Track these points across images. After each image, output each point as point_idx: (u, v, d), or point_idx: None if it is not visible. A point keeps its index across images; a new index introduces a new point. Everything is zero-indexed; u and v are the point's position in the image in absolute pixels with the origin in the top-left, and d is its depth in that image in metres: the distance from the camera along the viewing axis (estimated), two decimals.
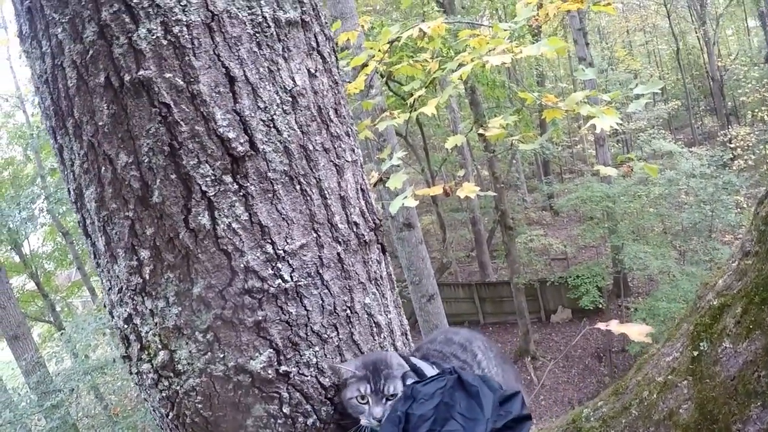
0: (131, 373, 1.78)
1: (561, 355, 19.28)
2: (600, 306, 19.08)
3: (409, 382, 1.68)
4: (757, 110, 26.26)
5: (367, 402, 1.66)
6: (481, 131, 4.60)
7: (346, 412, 1.74)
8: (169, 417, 1.72)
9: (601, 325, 2.65)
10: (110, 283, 1.71)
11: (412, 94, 4.71)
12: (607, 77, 26.20)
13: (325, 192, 1.68)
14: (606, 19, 36.07)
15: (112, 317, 1.76)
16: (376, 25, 11.59)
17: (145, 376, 1.71)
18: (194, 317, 1.58)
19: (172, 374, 1.65)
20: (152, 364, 1.67)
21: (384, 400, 1.67)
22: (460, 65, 4.00)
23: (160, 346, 1.64)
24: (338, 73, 1.82)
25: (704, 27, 31.23)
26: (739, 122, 29.91)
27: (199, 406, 1.65)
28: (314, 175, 1.65)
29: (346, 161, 1.77)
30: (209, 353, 1.60)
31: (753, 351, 1.36)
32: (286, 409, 1.67)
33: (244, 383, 1.63)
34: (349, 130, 1.82)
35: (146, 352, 1.67)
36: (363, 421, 1.66)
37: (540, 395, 17.69)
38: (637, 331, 2.24)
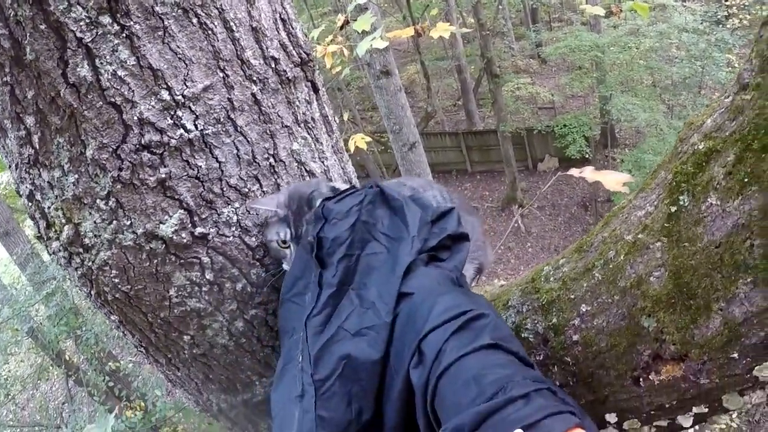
0: (49, 255, 1.62)
1: (533, 203, 19.47)
2: (586, 155, 19.09)
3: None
4: None
5: (289, 247, 1.52)
6: None
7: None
8: (92, 295, 1.58)
9: (574, 172, 2.45)
10: (7, 159, 1.52)
11: None
12: None
13: (231, 24, 1.41)
14: None
15: (20, 196, 1.58)
16: None
17: (57, 256, 1.55)
18: (92, 183, 1.39)
19: (81, 249, 1.48)
20: (60, 241, 1.50)
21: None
22: None
23: (64, 221, 1.46)
24: None
25: None
26: None
27: (116, 280, 1.50)
28: (215, 4, 1.39)
29: None
30: (114, 222, 1.42)
31: (746, 212, 1.08)
32: (209, 275, 1.52)
33: (158, 251, 1.46)
34: None
35: (53, 229, 1.51)
36: (284, 266, 1.53)
37: (527, 242, 18.02)
38: (614, 180, 2.08)
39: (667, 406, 1.33)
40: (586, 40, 17.73)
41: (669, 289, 1.21)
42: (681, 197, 1.19)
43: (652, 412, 1.36)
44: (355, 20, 3.95)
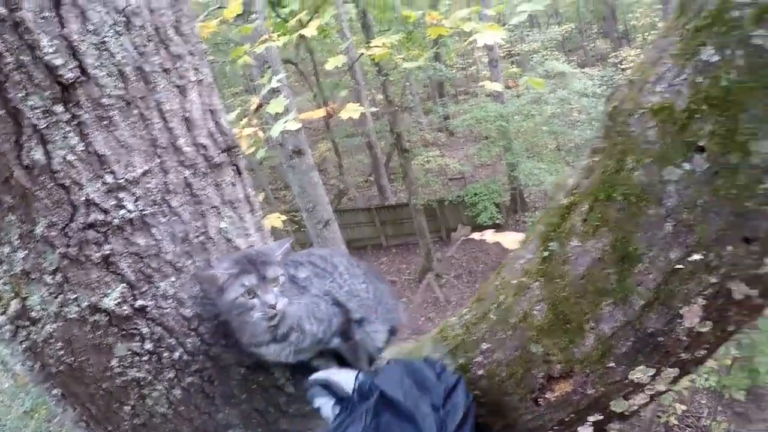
0: None
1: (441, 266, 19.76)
2: (498, 221, 19.59)
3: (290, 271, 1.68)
4: (647, 33, 27.24)
5: (255, 295, 1.61)
6: (363, 50, 4.57)
7: (214, 340, 1.71)
8: (36, 369, 1.66)
9: (476, 236, 2.71)
10: None
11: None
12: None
13: (167, 115, 1.59)
14: None
15: None
16: None
17: (3, 330, 1.63)
18: (40, 259, 1.50)
19: (28, 323, 1.58)
20: (7, 315, 1.59)
21: (271, 286, 1.64)
22: None
23: (12, 295, 1.56)
24: None
25: None
26: (630, 45, 30.92)
27: (61, 353, 1.59)
28: (153, 97, 1.57)
29: (190, 81, 1.68)
30: (61, 296, 1.54)
31: (600, 248, 1.37)
32: (149, 345, 1.63)
33: (101, 323, 1.58)
34: (193, 48, 1.72)
35: (0, 304, 1.59)
36: (257, 315, 1.61)
37: (447, 311, 18.16)
38: (512, 240, 2.30)
39: (566, 419, 1.55)
40: (491, 111, 18.59)
41: (549, 318, 1.48)
42: (551, 243, 1.49)
43: (555, 428, 1.58)
44: (269, 103, 4.15)
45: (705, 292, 1.28)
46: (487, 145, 21.27)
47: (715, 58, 1.17)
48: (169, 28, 1.62)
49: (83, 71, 1.43)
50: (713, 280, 1.26)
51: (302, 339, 1.73)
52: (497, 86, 4.49)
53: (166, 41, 1.61)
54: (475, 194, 20.39)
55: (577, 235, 1.41)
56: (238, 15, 4.90)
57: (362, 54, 4.55)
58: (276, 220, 6.53)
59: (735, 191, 1.19)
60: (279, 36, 4.70)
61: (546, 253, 1.49)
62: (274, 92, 4.83)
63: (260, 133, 4.25)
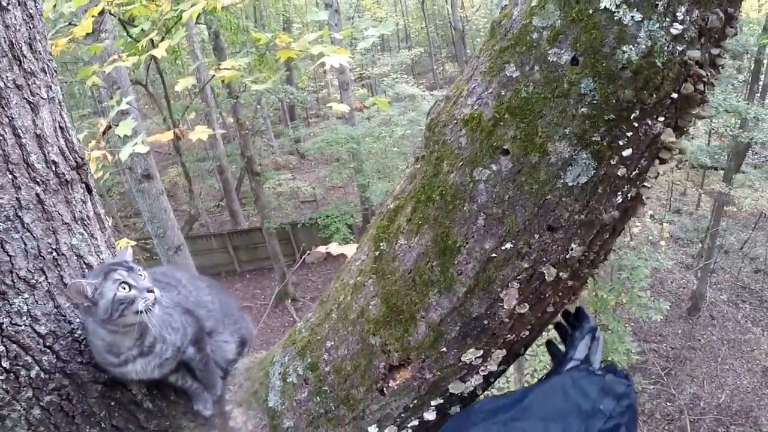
0: None
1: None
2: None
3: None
4: None
5: (131, 286, 1.62)
6: (212, 71, 4.59)
7: (70, 357, 1.72)
8: None
9: (322, 248, 2.84)
10: None
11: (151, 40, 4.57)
12: (353, 24, 26.82)
13: (19, 131, 1.62)
14: None
15: None
16: None
17: None
18: None
19: None
20: None
21: (141, 273, 1.67)
22: (193, 6, 3.96)
23: None
24: (36, 6, 1.74)
25: None
26: None
27: None
28: (6, 113, 1.59)
29: (42, 98, 1.71)
30: None
31: (424, 244, 1.54)
32: (5, 364, 1.62)
33: None
34: (46, 66, 1.75)
35: None
36: (140, 305, 1.62)
37: None
38: (354, 250, 2.43)
39: (411, 405, 1.69)
40: (342, 133, 18.82)
41: (383, 311, 1.64)
42: (381, 243, 1.66)
43: (402, 415, 1.71)
44: (117, 125, 4.10)
45: (519, 277, 1.48)
46: (338, 167, 21.53)
47: (517, 73, 1.39)
48: (23, 45, 1.65)
49: None
50: (525, 265, 1.47)
51: (165, 349, 1.76)
52: (344, 107, 4.62)
53: (20, 57, 1.63)
54: (327, 216, 20.62)
55: (404, 233, 1.59)
56: (88, 33, 4.80)
57: (213, 76, 4.57)
58: (125, 244, 6.38)
59: (537, 186, 1.40)
60: (128, 56, 4.64)
61: (377, 253, 1.66)
62: (123, 114, 4.77)
63: (108, 156, 4.20)
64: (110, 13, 5.18)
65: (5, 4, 1.59)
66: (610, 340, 12.47)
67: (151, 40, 4.57)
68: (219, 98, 23.94)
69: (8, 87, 1.60)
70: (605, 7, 1.27)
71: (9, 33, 1.61)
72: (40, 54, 1.73)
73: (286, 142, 29.09)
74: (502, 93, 1.41)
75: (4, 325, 1.60)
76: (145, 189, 7.43)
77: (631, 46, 1.27)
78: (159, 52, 4.21)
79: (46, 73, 1.75)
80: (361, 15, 31.73)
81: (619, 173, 1.40)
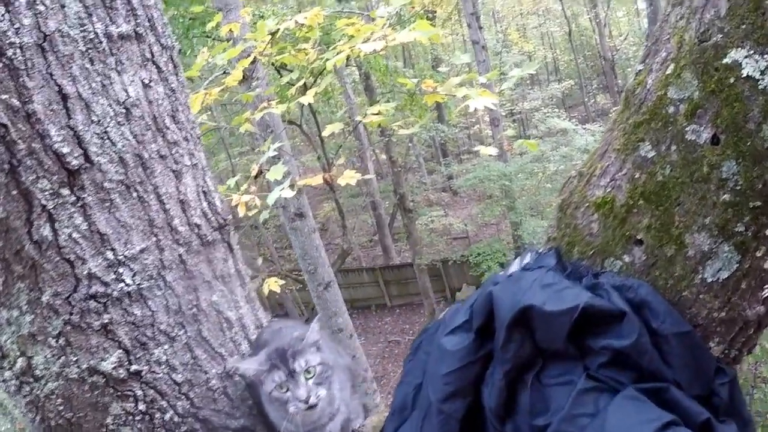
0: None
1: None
2: None
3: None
4: None
5: (287, 389, 1.72)
6: (358, 118, 4.72)
7: (203, 404, 1.81)
8: (36, 421, 1.77)
9: (473, 287, 2.81)
10: None
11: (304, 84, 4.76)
12: (502, 59, 26.77)
13: (163, 197, 1.73)
14: (499, 3, 36.72)
15: None
16: (267, 14, 11.46)
17: (8, 384, 1.76)
18: (45, 324, 1.63)
19: (31, 379, 1.70)
20: (13, 372, 1.72)
21: (302, 379, 1.74)
22: (338, 54, 4.09)
23: (18, 354, 1.69)
24: (177, 80, 1.86)
25: (595, 9, 32.57)
26: None
27: (61, 408, 1.71)
28: (151, 182, 1.71)
29: (185, 165, 1.82)
30: (63, 357, 1.66)
31: None
32: (142, 407, 1.74)
33: (98, 384, 1.70)
34: (189, 135, 1.87)
35: (6, 361, 1.72)
36: (291, 409, 1.71)
37: None
38: None
39: None
40: (494, 170, 18.50)
41: None
42: None
43: None
44: (269, 169, 4.28)
45: None
46: (490, 204, 21.26)
47: (652, 153, 1.27)
48: (166, 117, 1.77)
49: (87, 158, 1.58)
50: None
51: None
52: (493, 150, 4.63)
53: (163, 129, 1.75)
54: (479, 254, 20.31)
55: None
56: (241, 81, 5.05)
57: (359, 122, 4.70)
58: (274, 284, 6.59)
59: (672, 282, 1.29)
60: (277, 103, 4.84)
61: None
62: (275, 159, 4.97)
63: (257, 200, 4.39)
64: (271, 65, 5.43)
65: (148, 83, 1.72)
66: None
67: (304, 85, 4.76)
68: (372, 136, 24.49)
69: (152, 158, 1.71)
70: (748, 74, 1.10)
71: (152, 108, 1.73)
72: (183, 124, 1.85)
73: (439, 178, 29.14)
74: (637, 176, 1.31)
75: (143, 373, 1.72)
76: (298, 227, 7.70)
77: None
78: (307, 99, 4.37)
79: (188, 141, 1.86)
80: (509, 50, 31.50)
81: (765, 266, 1.25)
